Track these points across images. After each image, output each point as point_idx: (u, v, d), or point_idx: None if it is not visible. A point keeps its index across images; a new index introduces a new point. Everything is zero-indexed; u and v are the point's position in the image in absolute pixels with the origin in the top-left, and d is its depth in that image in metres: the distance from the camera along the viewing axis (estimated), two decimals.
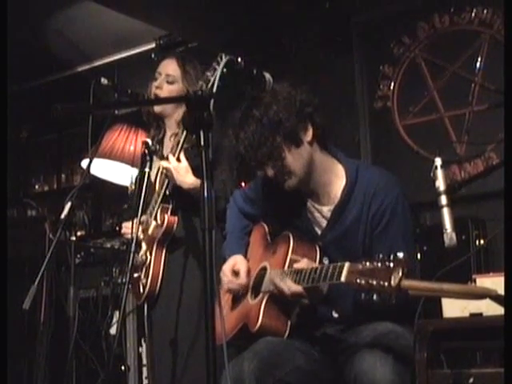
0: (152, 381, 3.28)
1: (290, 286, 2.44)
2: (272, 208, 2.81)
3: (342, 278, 2.24)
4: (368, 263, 2.16)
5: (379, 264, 2.13)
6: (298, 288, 2.43)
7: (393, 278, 2.08)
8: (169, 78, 3.40)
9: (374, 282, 2.12)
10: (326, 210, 2.64)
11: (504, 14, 4.11)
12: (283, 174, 2.55)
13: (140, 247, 3.33)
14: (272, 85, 2.60)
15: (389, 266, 2.10)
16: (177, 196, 3.30)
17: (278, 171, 2.54)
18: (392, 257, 2.11)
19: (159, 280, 3.28)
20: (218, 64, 2.94)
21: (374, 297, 2.15)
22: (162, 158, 3.36)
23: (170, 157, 3.21)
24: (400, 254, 2.11)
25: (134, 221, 3.10)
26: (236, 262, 2.80)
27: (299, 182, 2.57)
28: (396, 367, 2.34)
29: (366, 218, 2.56)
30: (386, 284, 2.08)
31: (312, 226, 2.67)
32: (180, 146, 3.19)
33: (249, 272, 2.77)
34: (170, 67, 3.43)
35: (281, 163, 2.52)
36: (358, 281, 2.16)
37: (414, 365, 2.33)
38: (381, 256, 2.13)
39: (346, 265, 2.25)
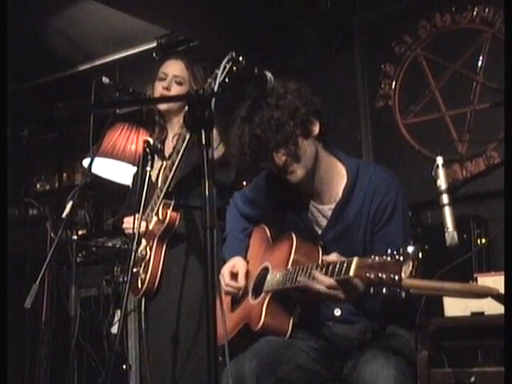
0: (150, 378, 3.27)
1: (323, 280, 2.33)
2: (272, 208, 2.82)
3: (351, 273, 2.22)
4: (377, 257, 2.15)
5: (389, 258, 2.12)
6: (330, 280, 2.31)
7: (403, 271, 2.07)
8: (177, 78, 3.38)
9: (384, 276, 2.10)
10: (327, 208, 2.64)
11: (505, 12, 4.11)
12: (294, 161, 2.55)
13: (140, 242, 3.32)
14: (273, 84, 2.59)
15: (399, 259, 2.09)
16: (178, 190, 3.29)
17: (289, 158, 2.53)
18: (402, 251, 2.10)
19: (158, 276, 3.27)
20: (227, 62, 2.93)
21: (384, 290, 2.13)
22: (164, 158, 3.36)
23: None
24: (410, 248, 2.10)
25: (136, 217, 3.08)
26: (235, 263, 2.80)
27: (306, 174, 2.57)
28: (399, 373, 2.33)
29: (366, 215, 2.57)
30: (397, 277, 2.07)
31: (312, 226, 2.67)
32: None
33: (247, 274, 2.77)
34: (176, 68, 3.42)
35: (295, 149, 2.52)
36: (368, 275, 2.14)
37: (415, 364, 2.34)
38: (389, 251, 2.13)
39: (355, 259, 2.23)
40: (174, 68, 3.42)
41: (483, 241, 3.92)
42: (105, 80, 3.31)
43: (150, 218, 3.31)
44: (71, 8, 5.10)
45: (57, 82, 6.02)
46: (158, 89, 3.39)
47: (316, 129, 2.58)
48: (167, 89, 3.37)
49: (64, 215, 3.03)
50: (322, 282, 2.34)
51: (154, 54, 5.29)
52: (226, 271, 2.79)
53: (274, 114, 2.51)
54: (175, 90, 3.37)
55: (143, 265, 3.30)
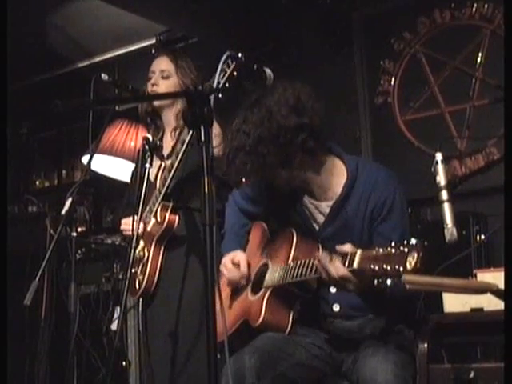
0: (150, 376, 3.27)
1: (338, 268, 2.29)
2: (269, 205, 2.82)
3: (355, 265, 2.22)
4: (381, 249, 2.14)
5: (393, 250, 2.11)
6: (345, 271, 2.27)
7: (408, 262, 2.07)
8: (163, 73, 3.40)
9: (389, 268, 2.09)
10: (324, 205, 2.64)
11: (504, 8, 4.11)
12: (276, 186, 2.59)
13: (138, 243, 3.31)
14: (272, 80, 2.58)
15: (403, 250, 2.09)
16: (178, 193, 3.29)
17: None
18: (405, 242, 2.10)
19: (156, 277, 3.27)
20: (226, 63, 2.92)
21: (388, 282, 2.13)
22: (162, 157, 3.35)
23: None
24: (413, 240, 2.09)
25: (134, 218, 3.08)
26: (236, 254, 2.79)
27: (293, 187, 2.60)
28: (398, 368, 2.33)
29: (363, 212, 2.56)
30: (402, 268, 2.07)
31: (310, 222, 2.66)
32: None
33: (249, 265, 2.77)
34: (162, 64, 3.44)
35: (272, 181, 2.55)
36: (372, 266, 2.13)
37: (415, 360, 2.34)
38: (393, 243, 2.12)
39: (358, 251, 2.23)
40: (159, 64, 3.45)
41: (482, 237, 3.92)
42: (104, 77, 3.31)
43: (148, 219, 3.31)
44: (70, 5, 5.10)
45: (56, 78, 6.01)
46: (148, 87, 3.41)
47: (297, 158, 2.51)
48: (155, 84, 3.39)
49: (63, 212, 3.03)
50: (337, 268, 2.29)
51: (153, 51, 5.28)
52: (227, 260, 2.78)
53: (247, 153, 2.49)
54: (163, 84, 3.39)
55: (141, 266, 3.30)
